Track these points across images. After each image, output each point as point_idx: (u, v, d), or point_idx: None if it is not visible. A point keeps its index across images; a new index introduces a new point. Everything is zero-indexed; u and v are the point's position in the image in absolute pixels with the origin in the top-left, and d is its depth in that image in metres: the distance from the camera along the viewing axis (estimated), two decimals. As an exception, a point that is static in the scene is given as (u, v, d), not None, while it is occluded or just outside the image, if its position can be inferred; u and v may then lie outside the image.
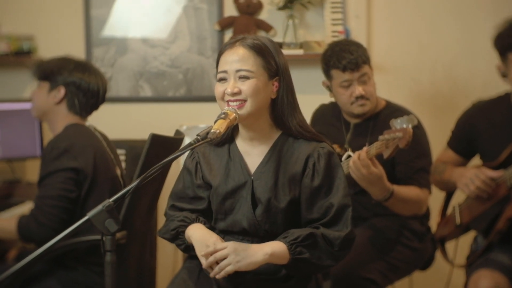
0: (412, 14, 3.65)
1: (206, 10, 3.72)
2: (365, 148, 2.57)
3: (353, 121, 2.91)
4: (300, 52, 3.54)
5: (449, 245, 2.98)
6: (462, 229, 2.82)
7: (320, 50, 3.53)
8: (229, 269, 1.89)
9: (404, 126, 2.54)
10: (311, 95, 3.63)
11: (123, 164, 3.39)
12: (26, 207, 3.08)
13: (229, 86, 1.96)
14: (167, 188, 2.44)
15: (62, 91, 2.64)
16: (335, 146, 2.85)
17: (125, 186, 2.05)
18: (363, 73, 2.78)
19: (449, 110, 3.54)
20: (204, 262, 1.92)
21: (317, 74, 3.67)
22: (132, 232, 2.54)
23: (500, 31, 2.68)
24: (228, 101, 1.97)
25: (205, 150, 2.10)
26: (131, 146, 3.49)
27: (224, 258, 1.89)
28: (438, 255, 2.98)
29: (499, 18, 2.76)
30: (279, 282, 2.02)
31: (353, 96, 2.79)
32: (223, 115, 1.91)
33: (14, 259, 2.83)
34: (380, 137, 2.55)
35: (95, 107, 2.74)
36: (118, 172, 2.75)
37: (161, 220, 3.14)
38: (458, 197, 2.94)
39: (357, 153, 2.56)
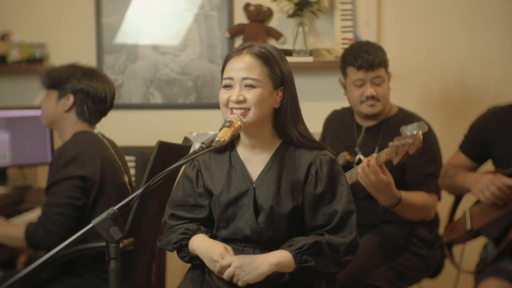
0: (422, 21, 3.64)
1: (216, 18, 3.74)
2: (374, 155, 2.58)
3: (365, 124, 2.92)
4: (310, 59, 3.54)
5: (456, 250, 2.96)
6: (472, 235, 2.80)
7: (330, 57, 3.54)
8: (240, 284, 1.93)
9: (415, 132, 2.54)
10: (320, 103, 3.64)
11: (133, 171, 3.41)
12: (36, 214, 3.10)
13: (234, 94, 1.96)
14: (174, 195, 2.45)
15: (71, 99, 2.66)
16: (345, 154, 2.86)
17: (132, 194, 2.07)
18: (377, 75, 2.80)
19: (459, 118, 3.52)
20: (216, 271, 1.97)
21: (326, 82, 3.69)
22: (140, 239, 2.54)
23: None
24: (232, 108, 1.97)
25: (206, 158, 2.10)
26: (141, 153, 3.51)
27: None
28: (447, 262, 2.96)
29: (510, 24, 2.75)
30: (282, 289, 2.02)
31: (364, 96, 2.82)
32: (228, 123, 1.91)
33: (23, 265, 2.85)
34: (390, 144, 2.56)
35: (103, 113, 2.75)
36: (126, 179, 2.76)
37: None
38: (467, 201, 2.92)
39: (366, 159, 2.57)
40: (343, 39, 3.57)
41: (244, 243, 2.03)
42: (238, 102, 1.96)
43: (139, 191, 1.77)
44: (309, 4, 3.49)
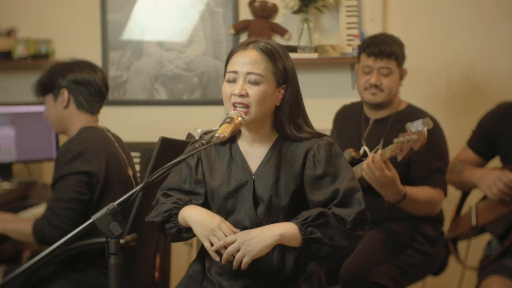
0: (428, 18, 3.62)
1: (221, 14, 3.74)
2: (379, 151, 2.58)
3: (373, 117, 2.93)
4: (314, 56, 3.54)
5: (461, 247, 2.95)
6: (477, 231, 2.79)
7: (334, 54, 3.53)
8: (246, 260, 1.91)
9: (420, 128, 2.55)
10: (325, 99, 3.64)
11: (138, 167, 3.41)
12: (41, 209, 3.12)
13: (237, 87, 1.96)
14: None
15: (65, 93, 2.67)
16: (351, 150, 2.86)
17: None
18: (385, 66, 2.82)
19: (465, 114, 3.51)
20: (207, 245, 1.94)
21: (331, 78, 3.69)
22: (142, 234, 2.55)
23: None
24: (234, 103, 1.97)
25: (207, 148, 2.09)
26: (146, 149, 3.51)
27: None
28: (451, 259, 2.96)
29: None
30: (282, 286, 2.01)
31: (368, 83, 2.84)
32: (228, 119, 1.91)
33: (27, 260, 2.87)
34: (395, 140, 2.57)
35: (102, 99, 2.75)
36: (131, 175, 2.76)
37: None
38: (474, 197, 2.91)
39: (371, 155, 2.57)
40: (348, 35, 3.56)
41: None
42: (241, 96, 1.96)
43: (139, 187, 1.78)
44: (314, 0, 3.49)
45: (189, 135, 2.79)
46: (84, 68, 2.70)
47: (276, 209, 2.00)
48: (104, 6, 3.79)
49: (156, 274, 3.25)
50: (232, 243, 1.92)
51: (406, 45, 3.59)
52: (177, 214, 2.02)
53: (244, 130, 2.05)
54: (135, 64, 3.80)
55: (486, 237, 2.84)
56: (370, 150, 2.82)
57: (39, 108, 3.51)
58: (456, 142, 3.06)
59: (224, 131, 1.86)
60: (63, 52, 3.78)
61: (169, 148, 2.50)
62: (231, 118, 1.92)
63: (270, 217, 2.00)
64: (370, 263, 2.66)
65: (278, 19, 3.69)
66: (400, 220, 2.81)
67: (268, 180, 2.01)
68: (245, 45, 2.01)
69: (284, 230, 1.92)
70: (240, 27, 3.70)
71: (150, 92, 3.82)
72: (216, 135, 1.84)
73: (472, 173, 2.74)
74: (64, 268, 2.59)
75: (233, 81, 1.99)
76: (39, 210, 3.13)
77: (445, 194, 2.86)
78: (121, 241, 2.41)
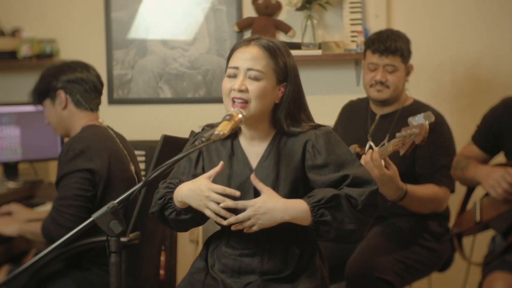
0: (433, 13, 3.61)
1: (225, 12, 3.74)
2: (376, 149, 2.57)
3: (379, 112, 2.92)
4: (318, 52, 3.53)
5: (466, 242, 2.94)
6: (481, 227, 2.78)
7: (338, 50, 3.53)
8: (255, 229, 1.92)
9: (421, 122, 2.54)
10: (328, 96, 3.64)
11: (142, 165, 3.42)
12: (47, 208, 3.13)
13: (237, 83, 1.97)
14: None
15: (61, 94, 2.69)
16: (355, 146, 2.85)
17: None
18: (390, 63, 2.81)
19: (471, 110, 3.49)
20: (209, 214, 1.91)
21: (335, 75, 3.68)
22: (146, 232, 2.56)
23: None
24: (233, 98, 1.97)
25: (209, 145, 2.09)
26: (151, 147, 3.51)
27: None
28: (457, 255, 2.94)
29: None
30: (284, 282, 2.01)
31: (373, 80, 2.83)
32: (228, 117, 1.92)
33: (32, 258, 2.88)
34: (397, 134, 2.57)
35: (97, 94, 2.75)
36: (134, 173, 2.77)
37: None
38: (480, 192, 2.89)
39: (369, 153, 2.55)
40: (352, 31, 3.55)
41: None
42: (240, 91, 1.96)
43: (139, 185, 1.78)
44: (318, -3, 3.49)
45: (192, 133, 2.79)
46: (76, 68, 2.72)
47: None
48: (108, 5, 3.79)
49: (162, 272, 3.26)
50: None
51: (410, 40, 3.60)
52: (171, 198, 2.01)
53: (243, 128, 2.05)
54: (139, 63, 3.81)
55: (491, 233, 2.83)
56: (376, 146, 2.82)
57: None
58: (462, 137, 3.05)
59: (223, 129, 1.86)
60: (68, 51, 3.80)
61: (172, 146, 2.50)
62: (231, 116, 1.92)
63: None
64: (375, 259, 2.65)
65: (282, 16, 3.68)
66: (405, 216, 2.80)
67: (268, 175, 2.01)
68: (247, 42, 2.02)
69: (295, 212, 1.90)
70: (244, 25, 3.70)
71: (154, 90, 3.82)
72: (216, 132, 1.84)
73: (476, 170, 2.72)
74: (68, 267, 2.60)
75: (234, 76, 2.00)
76: (45, 209, 3.14)
77: (452, 191, 2.85)
78: (125, 239, 2.43)
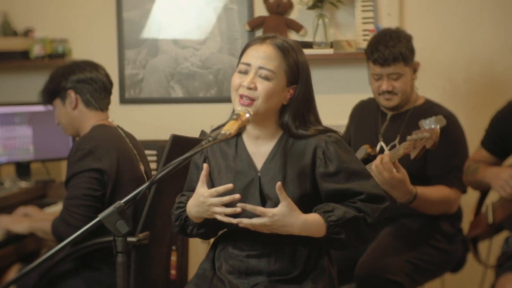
0: (446, 11, 3.57)
1: (236, 11, 3.73)
2: (387, 152, 2.56)
3: (390, 112, 2.89)
4: (330, 51, 3.51)
5: (482, 246, 2.90)
6: (495, 229, 2.75)
7: (350, 49, 3.50)
8: (265, 231, 1.92)
9: (432, 126, 2.51)
10: (340, 95, 3.62)
11: (154, 165, 3.42)
12: (59, 208, 3.14)
13: (247, 80, 1.95)
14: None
15: (71, 94, 2.70)
16: (366, 146, 2.84)
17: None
18: (393, 71, 2.77)
19: (485, 109, 3.44)
20: (220, 218, 1.92)
21: (347, 74, 3.66)
22: (156, 232, 2.55)
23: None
24: (241, 95, 1.96)
25: (214, 147, 2.08)
26: (162, 147, 3.50)
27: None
28: (470, 256, 2.91)
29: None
30: (292, 283, 1.99)
31: (381, 89, 2.81)
32: (235, 116, 1.91)
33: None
34: (408, 137, 2.55)
35: (107, 94, 2.76)
36: (144, 173, 2.77)
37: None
38: (493, 196, 2.86)
39: (379, 157, 2.54)
40: (364, 30, 3.52)
41: (253, 233, 2.00)
42: (249, 88, 1.95)
43: (145, 185, 1.78)
44: (329, -4, 3.47)
45: (202, 133, 2.78)
46: (85, 67, 2.72)
47: None
48: (120, 4, 3.80)
49: (174, 272, 3.25)
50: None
51: (423, 39, 3.57)
52: (187, 216, 2.04)
53: (248, 127, 2.03)
54: (151, 62, 3.81)
55: (506, 235, 2.80)
56: (387, 146, 2.80)
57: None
58: (475, 137, 3.01)
59: (230, 128, 1.85)
60: (80, 51, 3.82)
61: (181, 146, 2.49)
62: (238, 115, 1.91)
63: None
64: (386, 260, 2.63)
65: (293, 15, 3.67)
66: (416, 216, 2.78)
67: (275, 177, 1.99)
68: (262, 39, 2.01)
69: (312, 230, 1.92)
70: (255, 24, 3.69)
71: (166, 90, 3.82)
72: (222, 132, 1.84)
73: (485, 172, 2.69)
74: (78, 266, 2.61)
75: (245, 72, 1.98)
76: (58, 208, 3.15)
77: (464, 191, 2.82)
78: (134, 239, 2.42)
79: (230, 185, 1.91)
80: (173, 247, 2.82)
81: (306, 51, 3.39)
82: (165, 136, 3.59)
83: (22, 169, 3.56)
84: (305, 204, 1.99)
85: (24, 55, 3.73)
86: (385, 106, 2.85)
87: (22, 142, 3.53)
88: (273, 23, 3.62)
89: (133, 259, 2.47)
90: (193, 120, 3.75)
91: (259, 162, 2.04)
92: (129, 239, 2.37)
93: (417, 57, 2.97)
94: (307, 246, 2.01)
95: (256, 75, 1.96)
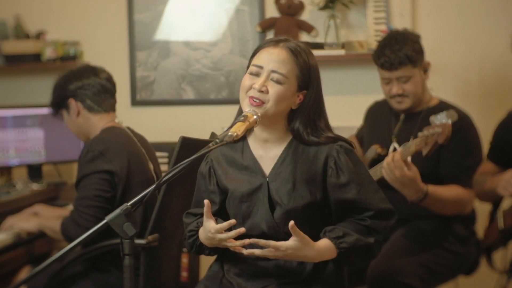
0: (459, 11, 3.54)
1: (247, 12, 3.71)
2: (399, 150, 2.54)
3: (403, 113, 2.88)
4: (341, 52, 3.49)
5: (498, 254, 2.86)
6: (506, 235, 2.71)
7: (362, 50, 3.48)
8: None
9: (444, 121, 2.49)
10: (352, 96, 3.59)
11: (165, 167, 3.42)
12: (70, 210, 3.15)
13: (259, 83, 1.93)
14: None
15: (72, 102, 2.72)
16: (376, 146, 2.83)
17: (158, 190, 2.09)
18: (401, 74, 2.75)
19: (499, 110, 3.39)
20: (230, 246, 1.93)
21: (358, 75, 3.63)
22: (165, 234, 2.54)
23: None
24: (251, 97, 1.93)
25: (218, 155, 2.07)
26: (173, 149, 3.46)
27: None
28: (485, 261, 2.87)
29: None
30: (301, 286, 1.98)
31: (391, 93, 2.79)
32: (242, 118, 1.88)
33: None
34: (420, 134, 2.54)
35: (109, 95, 2.76)
36: (154, 175, 2.76)
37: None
38: (507, 205, 2.82)
39: (391, 155, 2.52)
40: (376, 30, 3.50)
41: (262, 236, 1.99)
42: (260, 91, 1.93)
43: (151, 188, 1.77)
44: (341, -4, 3.44)
45: (212, 134, 2.77)
46: (82, 73, 2.74)
47: (293, 213, 1.95)
48: (131, 7, 3.80)
49: (185, 274, 3.24)
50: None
51: (436, 39, 3.54)
52: (201, 243, 2.04)
53: (256, 129, 2.01)
54: (162, 64, 3.81)
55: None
56: (400, 147, 2.77)
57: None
58: (489, 137, 2.98)
59: (237, 130, 1.83)
60: (91, 53, 3.82)
61: (190, 148, 2.48)
62: (245, 117, 1.89)
63: (287, 221, 1.94)
64: (398, 263, 2.61)
65: (305, 16, 3.65)
66: (428, 218, 2.75)
67: (284, 183, 1.97)
68: (276, 42, 1.98)
69: (323, 258, 1.93)
70: (266, 25, 3.67)
71: (177, 92, 3.82)
72: (229, 134, 1.82)
73: (492, 180, 2.68)
74: (88, 268, 2.61)
75: (256, 74, 1.96)
76: (67, 211, 3.15)
77: None
78: (143, 241, 2.42)
79: (233, 221, 1.91)
80: (184, 249, 2.82)
81: (318, 52, 3.42)
82: (177, 138, 3.56)
83: (34, 171, 3.57)
84: (313, 211, 1.98)
85: (36, 57, 3.74)
86: (398, 109, 2.83)
87: (34, 144, 3.54)
88: (285, 24, 3.60)
89: (142, 262, 2.47)
90: (204, 122, 3.75)
91: (267, 166, 2.01)
92: (139, 241, 2.39)
93: (430, 57, 2.94)
94: None
95: (268, 78, 1.94)
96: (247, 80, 1.97)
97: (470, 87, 3.56)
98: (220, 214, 2.05)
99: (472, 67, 3.54)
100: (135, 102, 3.85)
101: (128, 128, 2.80)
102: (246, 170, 2.02)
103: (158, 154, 2.96)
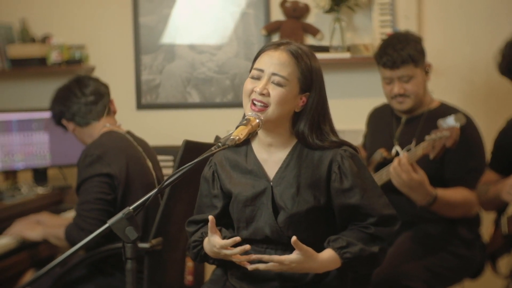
0: (465, 13, 3.53)
1: (253, 16, 3.71)
2: (405, 154, 2.52)
3: (404, 116, 2.86)
4: (347, 55, 3.48)
5: (503, 260, 2.85)
6: (510, 240, 2.70)
7: (367, 53, 3.47)
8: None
9: (452, 125, 2.48)
10: (358, 99, 3.58)
11: (170, 171, 3.41)
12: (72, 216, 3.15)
13: (260, 86, 1.93)
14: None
15: (64, 121, 2.81)
16: (382, 150, 2.81)
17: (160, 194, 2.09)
18: (403, 74, 2.75)
19: (504, 113, 3.39)
20: (235, 261, 1.93)
21: (364, 78, 3.62)
22: (169, 238, 2.54)
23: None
24: (253, 100, 1.93)
25: (221, 159, 2.06)
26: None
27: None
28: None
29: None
30: (306, 290, 1.98)
31: (392, 93, 2.78)
32: (245, 121, 1.88)
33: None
34: (427, 137, 2.52)
35: (98, 99, 2.78)
36: (155, 179, 2.76)
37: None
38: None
39: (397, 159, 2.51)
40: (382, 33, 3.49)
41: (266, 244, 1.99)
42: (261, 94, 1.92)
43: (153, 191, 1.76)
44: (346, -1, 3.44)
45: (217, 138, 2.77)
46: (67, 95, 2.77)
47: (297, 217, 1.95)
48: (136, 10, 3.81)
49: (190, 277, 3.24)
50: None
51: (442, 41, 3.53)
52: (205, 253, 2.03)
53: (260, 133, 2.00)
54: (167, 68, 3.81)
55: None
56: (402, 150, 2.76)
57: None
58: (493, 141, 2.96)
59: (239, 133, 1.83)
60: (97, 57, 3.83)
61: (194, 151, 2.47)
62: (248, 120, 1.88)
63: (291, 225, 1.95)
64: (403, 266, 2.60)
65: (310, 19, 3.64)
66: (434, 221, 2.74)
67: (288, 187, 1.96)
68: (276, 45, 1.98)
69: (328, 269, 1.93)
70: (271, 28, 3.67)
71: (182, 95, 3.82)
72: (231, 137, 1.82)
73: (495, 187, 2.67)
74: (92, 272, 2.62)
75: (257, 78, 1.96)
76: (71, 215, 3.16)
77: None
78: (146, 245, 2.42)
79: (238, 238, 1.91)
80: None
81: (323, 55, 3.42)
82: (182, 141, 3.61)
83: (39, 175, 3.57)
84: (316, 216, 1.97)
85: (42, 61, 3.75)
86: (399, 109, 2.82)
87: (39, 148, 3.54)
88: (290, 28, 3.60)
89: (146, 265, 2.46)
90: (209, 125, 3.74)
91: (271, 170, 2.00)
92: (142, 245, 2.39)
93: (435, 60, 2.94)
94: (319, 251, 1.97)
95: (269, 81, 1.94)
96: (249, 84, 1.97)
97: (476, 89, 3.54)
98: (222, 218, 2.05)
99: (477, 69, 3.53)
100: (140, 105, 3.85)
101: (129, 132, 2.80)
102: (250, 174, 2.01)
103: (163, 157, 2.97)
